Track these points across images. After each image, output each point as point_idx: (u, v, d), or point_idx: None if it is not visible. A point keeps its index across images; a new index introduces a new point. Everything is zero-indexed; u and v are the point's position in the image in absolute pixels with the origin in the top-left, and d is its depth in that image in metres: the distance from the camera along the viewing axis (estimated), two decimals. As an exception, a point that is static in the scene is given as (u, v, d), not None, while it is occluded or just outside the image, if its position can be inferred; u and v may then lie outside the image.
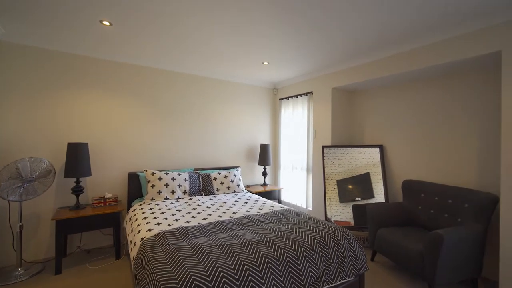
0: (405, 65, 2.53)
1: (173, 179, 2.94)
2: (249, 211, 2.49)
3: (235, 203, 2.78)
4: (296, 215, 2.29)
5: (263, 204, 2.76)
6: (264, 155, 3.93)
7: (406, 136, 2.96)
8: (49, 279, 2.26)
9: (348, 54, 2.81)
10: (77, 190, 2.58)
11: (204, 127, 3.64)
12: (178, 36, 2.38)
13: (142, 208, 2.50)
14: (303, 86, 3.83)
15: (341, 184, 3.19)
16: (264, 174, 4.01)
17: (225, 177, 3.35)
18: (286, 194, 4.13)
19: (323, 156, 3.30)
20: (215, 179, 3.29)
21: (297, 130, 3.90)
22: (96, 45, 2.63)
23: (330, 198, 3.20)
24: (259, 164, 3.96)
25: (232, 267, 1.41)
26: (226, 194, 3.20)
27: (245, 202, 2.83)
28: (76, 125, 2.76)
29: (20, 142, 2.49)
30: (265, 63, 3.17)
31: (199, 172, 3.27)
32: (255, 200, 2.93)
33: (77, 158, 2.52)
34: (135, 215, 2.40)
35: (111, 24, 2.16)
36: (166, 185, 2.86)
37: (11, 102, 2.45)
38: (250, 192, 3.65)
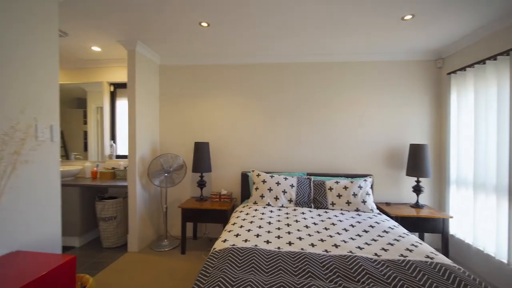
0: None
1: (278, 183, 2.59)
2: (361, 248, 1.62)
3: (349, 228, 1.96)
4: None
5: (395, 241, 1.73)
6: (417, 161, 2.61)
7: None
8: (176, 256, 2.68)
9: None
10: (201, 184, 2.92)
11: (322, 121, 2.99)
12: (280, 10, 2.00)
13: (241, 212, 2.36)
14: (496, 41, 2.12)
15: None
16: (417, 190, 2.67)
17: (345, 188, 2.53)
18: (460, 227, 2.51)
19: (554, 172, 1.59)
20: (330, 189, 2.56)
21: (484, 121, 2.23)
22: (214, 52, 2.85)
23: None
24: (407, 175, 2.70)
25: None
26: (343, 212, 2.39)
27: (365, 230, 1.92)
28: (203, 127, 3.15)
29: (166, 140, 3.20)
30: (407, 17, 2.01)
31: (311, 178, 2.70)
32: (385, 230, 1.92)
33: (199, 156, 2.84)
34: (232, 217, 2.31)
35: (208, 25, 2.18)
36: (270, 189, 2.57)
37: (161, 109, 3.20)
38: (386, 213, 2.53)
